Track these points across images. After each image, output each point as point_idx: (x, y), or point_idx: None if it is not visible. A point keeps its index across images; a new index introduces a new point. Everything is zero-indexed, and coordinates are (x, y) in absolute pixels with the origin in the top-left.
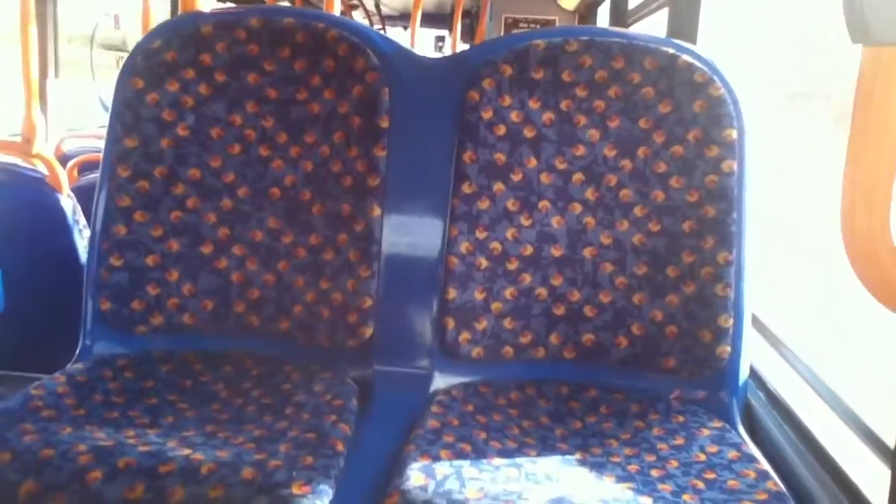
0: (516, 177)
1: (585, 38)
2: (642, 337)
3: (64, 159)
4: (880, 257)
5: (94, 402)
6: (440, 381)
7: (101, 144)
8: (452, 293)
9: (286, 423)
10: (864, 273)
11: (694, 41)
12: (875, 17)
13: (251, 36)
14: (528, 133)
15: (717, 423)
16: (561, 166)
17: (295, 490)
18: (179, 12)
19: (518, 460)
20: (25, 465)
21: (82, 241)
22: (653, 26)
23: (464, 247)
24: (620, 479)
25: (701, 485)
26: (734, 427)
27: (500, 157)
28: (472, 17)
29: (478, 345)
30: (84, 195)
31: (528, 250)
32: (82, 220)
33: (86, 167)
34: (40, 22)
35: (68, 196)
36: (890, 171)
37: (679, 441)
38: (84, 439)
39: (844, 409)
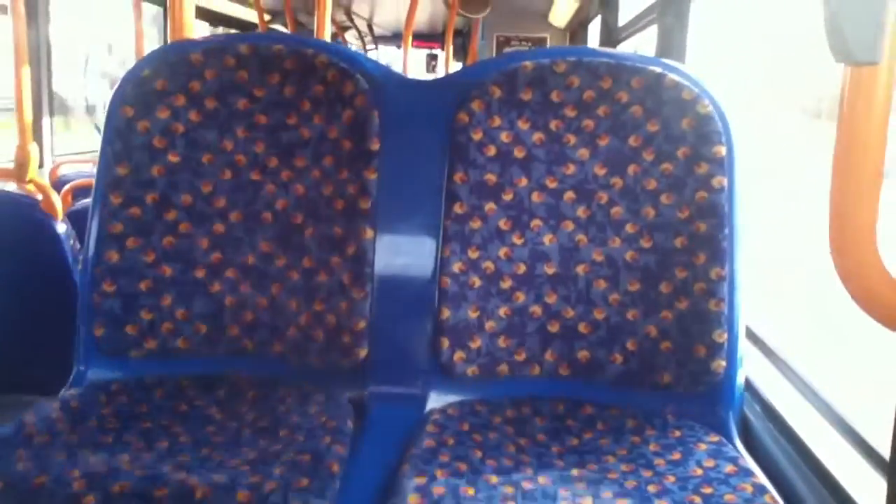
0: (507, 196)
1: (573, 58)
2: (637, 353)
3: (59, 184)
4: (868, 272)
5: (88, 427)
6: (435, 401)
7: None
8: (446, 313)
9: (281, 445)
10: (853, 287)
11: (682, 59)
12: (856, 38)
13: (240, 62)
14: (519, 153)
15: (714, 438)
16: (552, 185)
17: None
18: (170, 40)
19: (514, 478)
20: (19, 493)
21: (77, 265)
22: (644, 43)
23: (457, 266)
24: (618, 496)
25: (698, 499)
26: (731, 441)
27: (491, 177)
28: (464, 36)
29: (472, 364)
30: (79, 220)
31: (521, 269)
32: (77, 245)
33: (81, 192)
34: (32, 53)
35: (63, 221)
36: (874, 187)
37: (676, 456)
38: (78, 465)
39: (840, 420)
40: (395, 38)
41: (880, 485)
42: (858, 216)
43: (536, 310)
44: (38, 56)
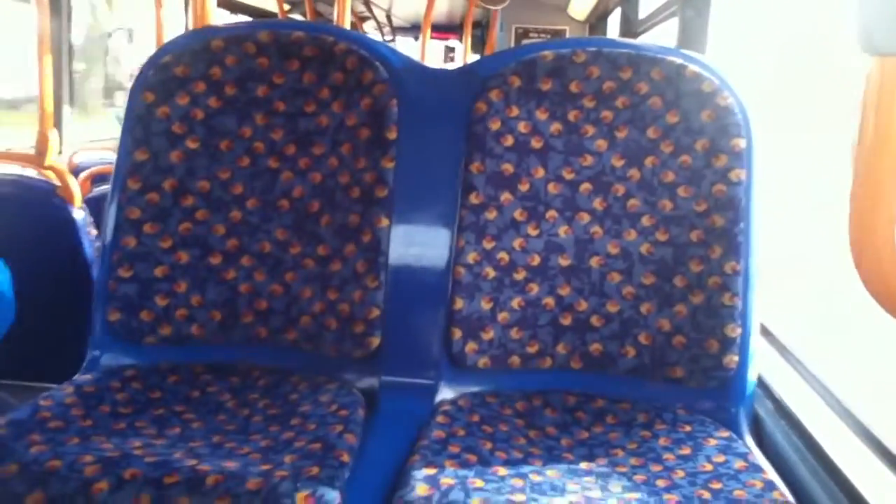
0: (524, 187)
1: (593, 49)
2: (649, 347)
3: (77, 171)
4: (887, 268)
5: (102, 412)
6: (446, 392)
7: (114, 156)
8: (459, 303)
9: (292, 433)
10: (872, 284)
11: (703, 51)
12: (881, 27)
13: (260, 50)
14: (536, 143)
15: (724, 433)
16: (568, 176)
17: (300, 501)
18: (192, 27)
19: (524, 471)
20: (32, 476)
21: (94, 251)
22: (663, 36)
23: (471, 257)
24: (627, 490)
25: (707, 495)
26: (741, 437)
27: (508, 167)
28: (482, 28)
29: (484, 355)
30: (97, 206)
31: (536, 260)
32: (94, 232)
33: (99, 179)
34: (55, 43)
35: (81, 207)
36: None
37: (685, 451)
38: (91, 450)
39: (853, 418)
40: (413, 29)
41: (893, 483)
42: (881, 212)
43: (549, 302)
44: (59, 45)
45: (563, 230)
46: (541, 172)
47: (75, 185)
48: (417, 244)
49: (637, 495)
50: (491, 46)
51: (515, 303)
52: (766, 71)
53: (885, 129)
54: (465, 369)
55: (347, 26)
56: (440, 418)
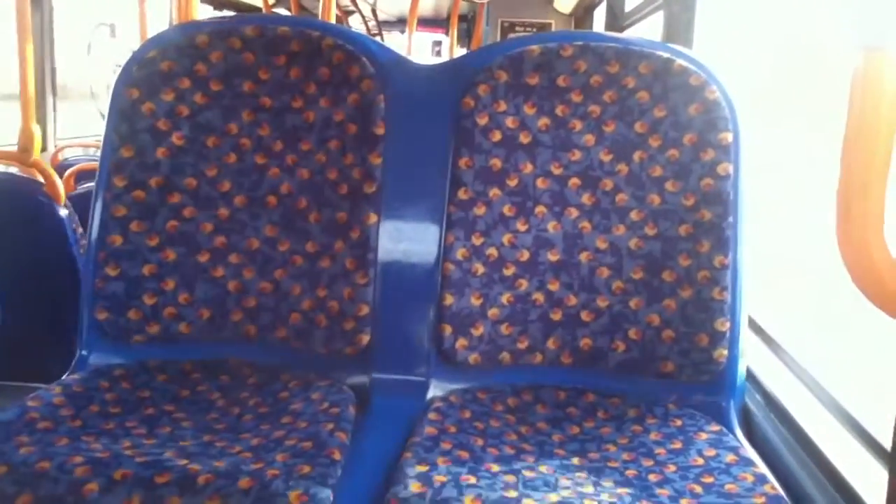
0: (512, 182)
1: (580, 42)
2: (639, 341)
3: (62, 168)
4: (874, 261)
5: (91, 412)
6: (437, 388)
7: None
8: (449, 299)
9: (283, 431)
10: (860, 277)
11: (689, 45)
12: (869, 22)
13: (246, 45)
14: (524, 138)
15: (715, 427)
16: (557, 171)
17: (292, 499)
18: (176, 22)
19: (516, 466)
20: (22, 477)
21: (80, 249)
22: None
23: (460, 253)
24: (618, 484)
25: (699, 489)
26: (732, 431)
27: (496, 162)
28: (468, 22)
29: (475, 351)
30: (82, 204)
31: (525, 255)
32: (80, 229)
33: (84, 176)
34: (35, 35)
35: (65, 205)
36: (883, 175)
37: (676, 445)
38: (80, 451)
39: (841, 411)
40: (399, 23)
41: (881, 475)
42: (868, 205)
43: (539, 297)
44: (41, 38)
45: (551, 225)
46: (529, 167)
47: (60, 183)
48: (406, 240)
49: (629, 490)
50: (477, 40)
51: (505, 298)
52: (754, 66)
53: (871, 122)
54: (456, 365)
55: (333, 20)
56: (432, 415)
